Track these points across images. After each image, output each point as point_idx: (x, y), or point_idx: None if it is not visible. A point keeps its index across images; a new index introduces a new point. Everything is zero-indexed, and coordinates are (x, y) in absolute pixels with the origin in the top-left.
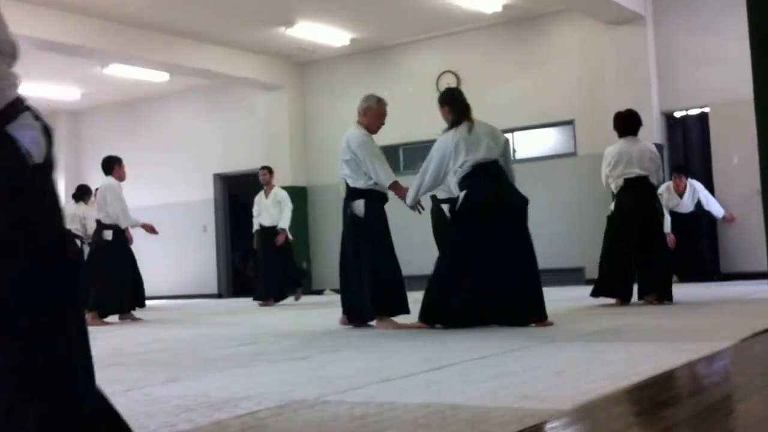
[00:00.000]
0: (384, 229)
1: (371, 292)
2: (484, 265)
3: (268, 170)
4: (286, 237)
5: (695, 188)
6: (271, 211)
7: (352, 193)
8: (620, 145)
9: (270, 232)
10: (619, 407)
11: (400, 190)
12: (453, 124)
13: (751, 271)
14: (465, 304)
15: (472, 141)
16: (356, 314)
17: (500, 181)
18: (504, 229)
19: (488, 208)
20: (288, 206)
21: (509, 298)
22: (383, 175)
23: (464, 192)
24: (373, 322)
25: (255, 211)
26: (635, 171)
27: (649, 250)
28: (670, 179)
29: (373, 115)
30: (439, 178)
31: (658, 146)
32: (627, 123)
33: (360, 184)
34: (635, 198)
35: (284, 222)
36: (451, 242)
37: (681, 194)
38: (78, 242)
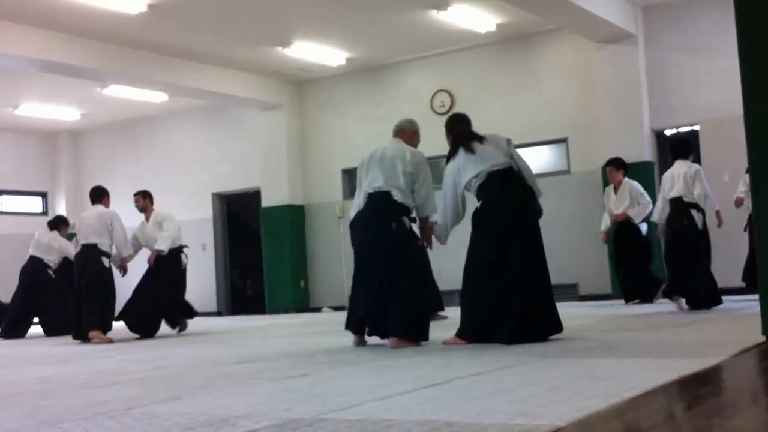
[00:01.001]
0: (422, 247)
1: (411, 312)
2: (515, 277)
3: (143, 195)
4: (162, 257)
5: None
6: (154, 235)
7: (398, 208)
8: (670, 169)
9: (160, 258)
10: (613, 423)
11: (430, 228)
12: (450, 154)
13: (741, 287)
14: (517, 315)
15: (476, 158)
16: (360, 328)
17: (514, 184)
18: (525, 234)
19: (503, 212)
20: (169, 225)
21: (541, 311)
22: (432, 205)
23: (481, 201)
24: (385, 341)
25: (135, 237)
26: (672, 193)
27: (678, 261)
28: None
29: (417, 141)
30: (459, 207)
31: (648, 164)
32: (675, 148)
33: (409, 201)
34: (670, 217)
35: (162, 242)
36: (478, 252)
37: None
38: (50, 272)
